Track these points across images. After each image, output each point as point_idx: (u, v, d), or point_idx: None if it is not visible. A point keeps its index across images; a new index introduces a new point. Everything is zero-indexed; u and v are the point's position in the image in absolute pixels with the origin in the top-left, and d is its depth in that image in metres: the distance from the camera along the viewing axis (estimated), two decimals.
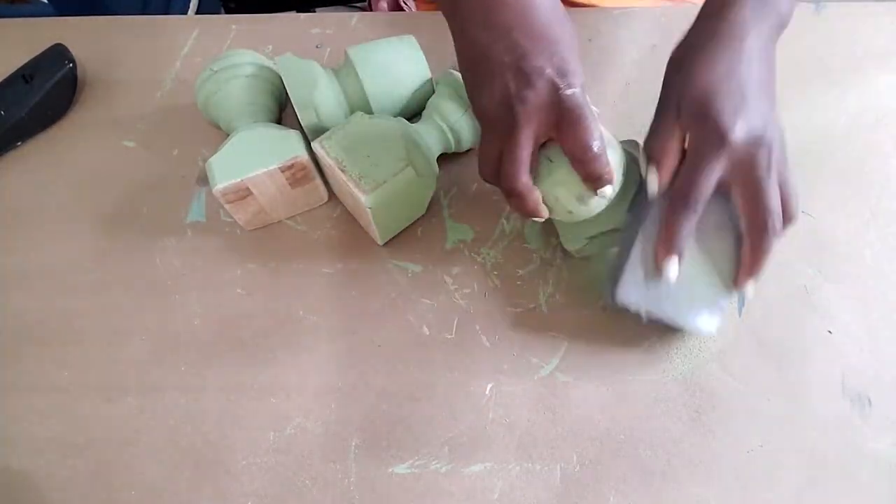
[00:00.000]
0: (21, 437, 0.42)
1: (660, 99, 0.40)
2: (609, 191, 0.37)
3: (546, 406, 0.43)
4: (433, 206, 0.50)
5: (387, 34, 0.50)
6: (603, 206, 0.39)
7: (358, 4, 1.36)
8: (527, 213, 0.39)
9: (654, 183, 0.38)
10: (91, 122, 0.55)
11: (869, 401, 0.43)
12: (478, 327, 0.45)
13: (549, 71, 0.34)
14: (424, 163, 0.45)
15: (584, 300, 0.46)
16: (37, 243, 0.49)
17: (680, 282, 0.39)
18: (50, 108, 0.54)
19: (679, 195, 0.37)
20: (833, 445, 0.41)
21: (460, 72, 0.38)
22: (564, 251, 0.47)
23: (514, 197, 0.38)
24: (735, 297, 0.45)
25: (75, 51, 0.56)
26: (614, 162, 0.38)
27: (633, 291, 0.39)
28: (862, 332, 0.45)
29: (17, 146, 0.54)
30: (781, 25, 0.40)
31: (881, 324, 0.45)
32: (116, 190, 0.51)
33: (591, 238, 0.43)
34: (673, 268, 0.38)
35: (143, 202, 0.51)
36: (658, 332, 0.45)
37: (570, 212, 0.39)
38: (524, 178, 0.37)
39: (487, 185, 0.50)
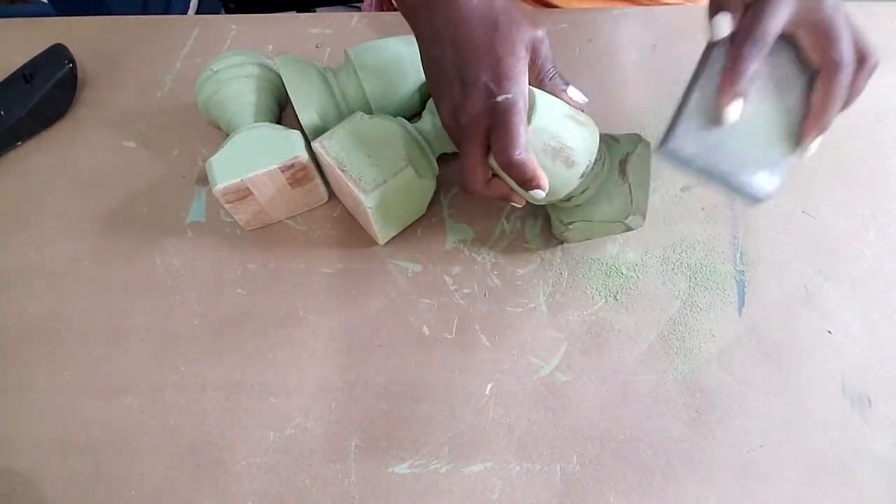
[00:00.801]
0: (21, 437, 0.42)
1: None
2: (539, 194, 0.38)
3: (546, 406, 0.43)
4: (433, 206, 0.50)
5: (387, 34, 0.50)
6: (563, 192, 0.40)
7: (358, 4, 1.36)
8: (495, 198, 0.41)
9: (722, 25, 0.37)
10: (91, 122, 0.55)
11: (869, 401, 0.43)
12: (478, 327, 0.45)
13: (484, 79, 0.36)
14: (424, 163, 0.45)
15: (585, 300, 0.46)
16: (37, 243, 0.49)
17: (740, 136, 0.37)
18: (50, 108, 0.54)
19: (745, 32, 0.36)
20: (833, 445, 0.41)
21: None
22: (564, 251, 0.47)
23: (471, 192, 0.40)
24: (795, 160, 0.39)
25: (75, 51, 0.56)
26: (585, 145, 0.39)
27: (688, 141, 0.37)
28: (862, 332, 0.45)
29: (17, 146, 0.54)
30: None
31: (881, 324, 0.45)
32: (116, 190, 0.51)
33: (570, 224, 0.44)
34: (735, 110, 0.36)
35: (143, 202, 0.51)
36: (658, 331, 0.45)
37: (531, 198, 0.40)
38: (478, 187, 0.39)
39: None
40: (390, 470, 0.41)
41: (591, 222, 0.42)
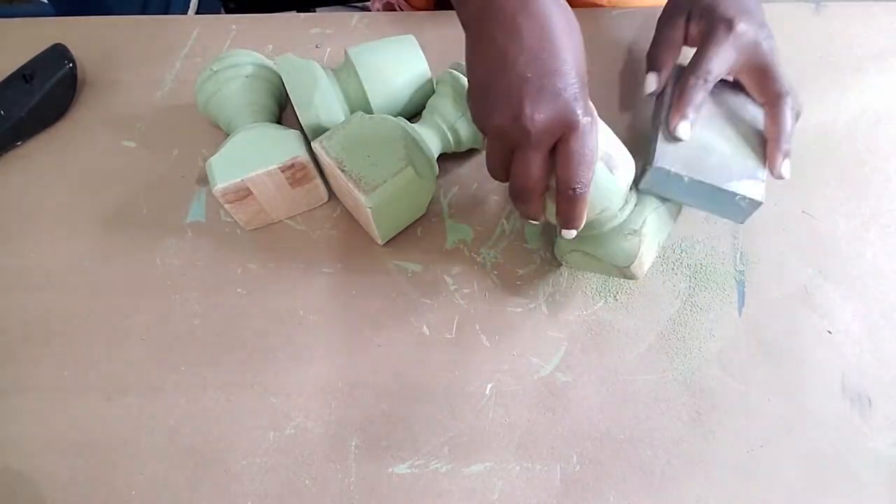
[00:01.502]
0: (21, 437, 0.42)
1: (662, 18, 0.47)
2: (571, 234, 0.37)
3: (546, 406, 0.43)
4: (433, 206, 0.50)
5: (387, 34, 0.50)
6: (599, 205, 0.39)
7: (358, 4, 1.36)
8: (527, 217, 0.39)
9: (651, 83, 0.45)
10: (91, 122, 0.55)
11: (869, 401, 0.43)
12: (478, 327, 0.45)
13: (567, 94, 0.33)
14: (424, 163, 0.45)
15: (585, 300, 0.46)
16: (37, 243, 0.49)
17: (716, 153, 0.42)
18: (50, 108, 0.54)
19: (690, 70, 0.42)
20: (833, 445, 0.41)
21: (469, 77, 0.37)
22: None
23: (520, 203, 0.38)
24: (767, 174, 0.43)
25: (75, 51, 0.56)
26: (627, 165, 0.39)
27: (672, 159, 0.41)
28: (862, 332, 0.45)
29: (17, 146, 0.54)
30: None
31: (881, 324, 0.45)
32: (116, 190, 0.51)
33: (572, 251, 0.43)
34: (683, 128, 0.41)
35: (143, 202, 0.51)
36: (658, 331, 0.45)
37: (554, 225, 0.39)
38: (535, 196, 0.37)
39: (488, 185, 0.51)
40: (390, 470, 0.41)
41: (593, 257, 0.42)
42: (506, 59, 0.34)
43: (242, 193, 0.45)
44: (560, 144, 0.34)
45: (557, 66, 0.34)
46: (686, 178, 0.40)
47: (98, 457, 0.42)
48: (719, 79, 0.43)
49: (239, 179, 0.43)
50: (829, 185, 0.51)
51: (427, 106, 0.48)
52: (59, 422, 0.43)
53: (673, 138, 0.42)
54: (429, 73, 0.48)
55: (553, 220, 0.39)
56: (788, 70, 0.44)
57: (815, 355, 0.44)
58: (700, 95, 0.42)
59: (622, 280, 0.47)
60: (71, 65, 0.55)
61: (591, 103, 0.35)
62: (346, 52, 0.48)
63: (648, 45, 0.49)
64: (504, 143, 0.35)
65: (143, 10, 1.21)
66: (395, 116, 0.46)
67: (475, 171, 0.51)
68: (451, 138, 0.47)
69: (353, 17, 0.61)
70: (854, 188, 0.51)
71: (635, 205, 0.41)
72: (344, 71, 0.48)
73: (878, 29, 0.59)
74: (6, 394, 0.44)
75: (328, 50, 0.59)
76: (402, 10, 0.72)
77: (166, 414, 0.43)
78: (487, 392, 0.43)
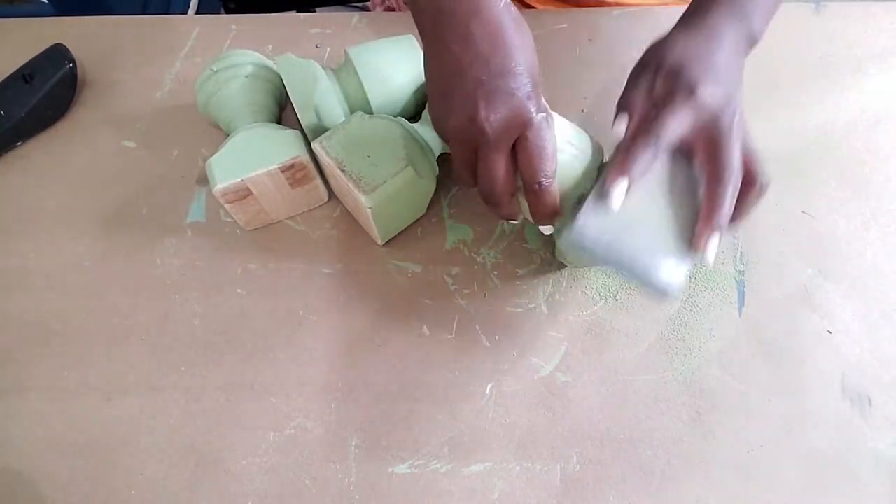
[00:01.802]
0: (21, 437, 0.42)
1: (634, 70, 0.41)
2: (547, 230, 0.37)
3: (546, 406, 0.43)
4: (433, 206, 0.50)
5: (387, 34, 0.50)
6: (569, 181, 0.39)
7: (358, 4, 1.36)
8: (503, 217, 0.40)
9: (621, 125, 0.39)
10: (91, 122, 0.55)
11: (869, 401, 0.43)
12: (478, 327, 0.45)
13: (520, 94, 0.35)
14: (424, 163, 0.45)
15: (584, 300, 0.46)
16: (37, 243, 0.49)
17: (644, 226, 0.38)
18: (50, 108, 0.54)
19: (643, 129, 0.38)
20: (833, 445, 0.41)
21: (427, 85, 0.38)
22: None
23: (492, 205, 0.39)
24: (694, 259, 0.39)
25: (75, 51, 0.56)
26: (592, 166, 0.39)
27: (593, 224, 0.37)
28: (862, 332, 0.45)
29: (17, 146, 0.54)
30: (752, 41, 0.42)
31: (881, 324, 0.45)
32: (116, 190, 0.51)
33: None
34: (619, 191, 0.37)
35: (143, 202, 0.51)
36: (658, 331, 0.45)
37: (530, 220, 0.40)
38: (504, 197, 0.38)
39: None
40: (390, 470, 0.41)
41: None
42: (460, 64, 0.35)
43: (242, 193, 0.45)
44: (518, 142, 0.35)
45: (510, 67, 0.35)
46: (601, 246, 0.37)
47: (98, 457, 0.42)
48: (671, 145, 0.38)
49: (239, 179, 0.43)
50: (829, 185, 0.51)
51: (427, 106, 0.48)
52: (59, 422, 0.43)
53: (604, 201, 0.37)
54: None
55: (530, 217, 0.39)
56: (789, 70, 0.44)
57: (815, 355, 0.44)
58: (644, 158, 0.37)
59: (622, 280, 0.47)
60: (71, 65, 0.55)
61: (544, 101, 0.36)
62: (346, 52, 0.48)
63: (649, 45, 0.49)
64: (464, 146, 0.37)
65: (143, 10, 1.21)
66: (395, 116, 0.46)
67: None
68: None
69: (353, 17, 0.61)
70: (854, 188, 0.51)
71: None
72: (344, 71, 0.48)
73: (878, 29, 0.59)
74: (6, 394, 0.44)
75: (328, 50, 0.59)
76: (402, 11, 0.72)
77: (166, 414, 0.43)
78: (487, 392, 0.43)
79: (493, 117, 0.34)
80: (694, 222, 0.38)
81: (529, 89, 0.35)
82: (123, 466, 0.41)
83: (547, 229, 0.37)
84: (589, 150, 0.40)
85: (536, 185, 0.36)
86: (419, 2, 0.37)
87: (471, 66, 0.35)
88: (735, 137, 0.38)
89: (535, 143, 0.35)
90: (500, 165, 0.36)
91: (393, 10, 0.74)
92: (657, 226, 0.38)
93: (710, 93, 0.37)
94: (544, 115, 0.35)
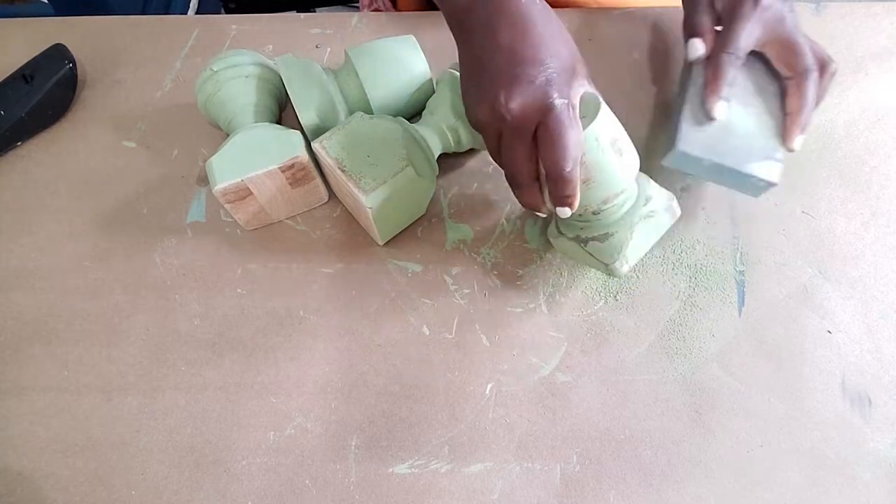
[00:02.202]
0: (21, 437, 0.42)
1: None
2: (566, 212, 0.37)
3: (546, 406, 0.43)
4: (433, 206, 0.50)
5: (387, 34, 0.50)
6: (611, 186, 0.39)
7: (358, 4, 1.36)
8: (529, 207, 0.40)
9: (698, 47, 0.44)
10: (91, 122, 0.55)
11: (869, 401, 0.43)
12: (478, 327, 0.45)
13: (540, 79, 0.35)
14: (424, 163, 0.45)
15: (585, 300, 0.46)
16: (37, 243, 0.49)
17: (736, 134, 0.43)
18: (50, 108, 0.54)
19: (720, 47, 0.43)
20: (833, 445, 0.41)
21: (461, 82, 0.40)
22: None
23: (515, 188, 0.39)
24: (785, 153, 0.44)
25: (75, 51, 0.56)
26: (628, 170, 0.39)
27: (694, 143, 0.42)
28: (862, 332, 0.45)
29: (17, 146, 0.54)
30: None
31: (881, 324, 0.45)
32: (116, 190, 0.51)
33: (561, 235, 0.44)
34: (721, 109, 0.43)
35: (143, 202, 0.51)
36: (658, 331, 0.45)
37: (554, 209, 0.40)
38: (526, 180, 0.38)
39: (488, 185, 0.51)
40: (390, 470, 0.41)
41: (580, 246, 0.42)
42: (482, 56, 0.37)
43: (242, 193, 0.45)
44: (539, 128, 0.36)
45: (531, 55, 0.36)
46: (706, 161, 0.43)
47: (98, 457, 0.42)
48: (748, 53, 0.43)
49: (239, 179, 0.43)
50: (829, 185, 0.51)
51: (427, 106, 0.48)
52: (59, 422, 0.43)
53: (698, 118, 0.43)
54: (429, 74, 0.48)
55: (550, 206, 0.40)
56: None
57: (815, 355, 0.44)
58: (732, 72, 0.42)
59: (622, 280, 0.47)
60: (71, 65, 0.55)
61: (577, 89, 0.37)
62: (346, 52, 0.48)
63: (648, 46, 0.49)
64: (489, 134, 0.38)
65: (143, 10, 1.21)
66: (395, 116, 0.46)
67: (475, 171, 0.51)
68: (451, 138, 0.47)
69: (353, 17, 0.61)
70: (854, 188, 0.51)
71: (635, 200, 0.41)
72: (344, 71, 0.48)
73: (878, 29, 0.59)
74: (6, 394, 0.44)
75: (328, 50, 0.59)
76: (388, 11, 0.72)
77: (166, 414, 0.43)
78: (487, 392, 0.43)
79: (511, 104, 0.35)
80: (779, 118, 0.44)
81: (551, 75, 0.35)
82: (123, 466, 0.41)
83: (564, 212, 0.38)
84: (632, 159, 0.39)
85: (556, 171, 0.36)
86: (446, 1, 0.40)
87: (493, 57, 0.36)
88: (801, 33, 0.43)
89: (554, 129, 0.35)
90: (520, 151, 0.37)
91: (379, 10, 0.74)
92: (746, 129, 0.43)
93: None
94: (565, 101, 0.35)
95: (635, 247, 0.41)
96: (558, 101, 0.35)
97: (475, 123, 0.38)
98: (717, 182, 0.45)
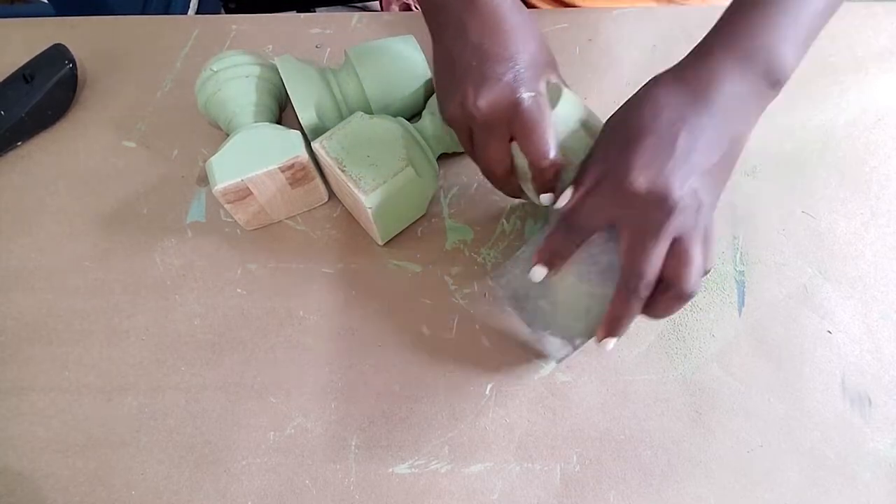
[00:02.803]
0: (21, 437, 0.42)
1: (608, 121, 0.37)
2: (547, 199, 0.38)
3: (546, 406, 0.43)
4: (433, 206, 0.50)
5: (387, 34, 0.50)
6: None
7: (358, 4, 1.36)
8: (508, 194, 0.43)
9: (563, 198, 0.36)
10: (91, 122, 0.55)
11: (869, 401, 0.43)
12: (478, 327, 0.45)
13: (508, 76, 0.36)
14: (424, 163, 0.45)
15: None
16: (37, 243, 0.49)
17: (551, 301, 0.38)
18: (50, 108, 0.54)
19: (564, 217, 0.35)
20: (833, 445, 0.41)
21: (434, 78, 0.41)
22: None
23: (492, 181, 0.41)
24: (585, 343, 0.39)
25: (75, 51, 0.56)
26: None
27: (506, 284, 0.40)
28: (862, 332, 0.45)
29: (17, 146, 0.54)
30: (772, 78, 0.35)
31: (881, 324, 0.45)
32: (116, 190, 0.51)
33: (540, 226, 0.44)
34: (538, 273, 0.36)
35: (143, 202, 0.51)
36: (658, 331, 0.45)
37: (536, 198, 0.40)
38: (501, 174, 0.39)
39: (488, 185, 0.50)
40: (390, 470, 0.41)
41: None
42: (453, 52, 0.38)
43: (242, 193, 0.45)
44: (513, 124, 0.36)
45: (499, 52, 0.36)
46: (508, 304, 0.40)
47: (98, 457, 0.42)
48: (593, 233, 0.35)
49: (239, 179, 0.43)
50: (829, 185, 0.51)
51: (427, 106, 0.48)
52: (59, 422, 0.43)
53: (527, 264, 0.37)
54: (429, 73, 0.48)
55: (532, 195, 0.40)
56: None
57: (815, 355, 0.44)
58: (567, 246, 0.36)
59: None
60: (71, 65, 0.55)
61: (543, 83, 0.37)
62: (346, 52, 0.48)
63: (648, 46, 0.49)
64: (460, 131, 0.39)
65: (143, 10, 1.21)
66: (395, 116, 0.46)
67: (475, 171, 0.51)
68: (451, 138, 0.47)
69: (353, 17, 0.61)
70: (854, 188, 0.51)
71: None
72: (344, 71, 0.48)
73: (879, 29, 0.59)
74: (6, 394, 0.44)
75: (328, 50, 0.59)
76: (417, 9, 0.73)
77: (166, 414, 0.43)
78: (487, 392, 0.43)
79: (480, 102, 0.36)
80: (603, 309, 0.36)
81: (519, 71, 0.36)
82: (123, 466, 0.41)
83: (546, 198, 0.38)
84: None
85: (537, 162, 0.36)
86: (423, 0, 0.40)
87: (462, 54, 0.37)
88: (660, 244, 0.33)
89: (526, 122, 0.36)
90: (491, 146, 0.38)
91: (409, 8, 0.74)
92: (566, 302, 0.38)
93: (648, 185, 0.32)
94: (533, 94, 0.36)
95: None
96: (526, 96, 0.36)
97: (447, 120, 0.39)
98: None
